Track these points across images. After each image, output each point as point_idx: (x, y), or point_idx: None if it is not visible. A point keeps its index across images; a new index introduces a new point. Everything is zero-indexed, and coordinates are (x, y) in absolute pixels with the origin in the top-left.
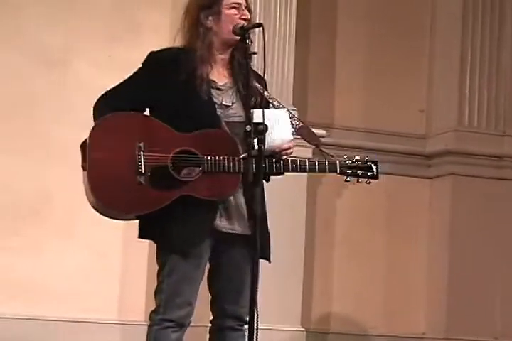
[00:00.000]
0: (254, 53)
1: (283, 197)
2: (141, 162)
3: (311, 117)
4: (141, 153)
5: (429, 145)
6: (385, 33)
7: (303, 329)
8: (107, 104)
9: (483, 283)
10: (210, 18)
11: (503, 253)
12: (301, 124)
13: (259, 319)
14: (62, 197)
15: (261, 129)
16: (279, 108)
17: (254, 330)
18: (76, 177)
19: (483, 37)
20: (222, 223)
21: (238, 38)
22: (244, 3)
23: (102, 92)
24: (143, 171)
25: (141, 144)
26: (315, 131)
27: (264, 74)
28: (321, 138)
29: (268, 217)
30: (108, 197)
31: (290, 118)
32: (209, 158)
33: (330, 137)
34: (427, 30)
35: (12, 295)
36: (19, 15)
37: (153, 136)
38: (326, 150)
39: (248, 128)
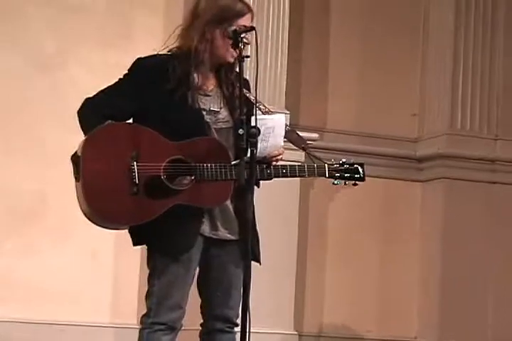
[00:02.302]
0: (247, 57)
1: (275, 202)
2: (134, 172)
3: (303, 120)
4: (135, 163)
5: (421, 149)
6: (377, 36)
7: (295, 332)
8: (94, 112)
9: (475, 288)
10: (218, 30)
11: (496, 257)
12: (288, 128)
13: (251, 322)
14: (58, 199)
15: (253, 133)
16: (268, 112)
17: (247, 334)
18: (72, 180)
19: (475, 40)
20: (210, 229)
21: (230, 59)
22: None
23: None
24: (137, 181)
25: (134, 154)
26: (308, 134)
27: (256, 78)
28: (313, 142)
29: (260, 222)
30: (104, 208)
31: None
32: (201, 166)
33: (322, 140)
34: (420, 34)
35: (5, 298)
36: (14, 19)
37: (145, 146)
38: (316, 154)
39: (241, 131)
